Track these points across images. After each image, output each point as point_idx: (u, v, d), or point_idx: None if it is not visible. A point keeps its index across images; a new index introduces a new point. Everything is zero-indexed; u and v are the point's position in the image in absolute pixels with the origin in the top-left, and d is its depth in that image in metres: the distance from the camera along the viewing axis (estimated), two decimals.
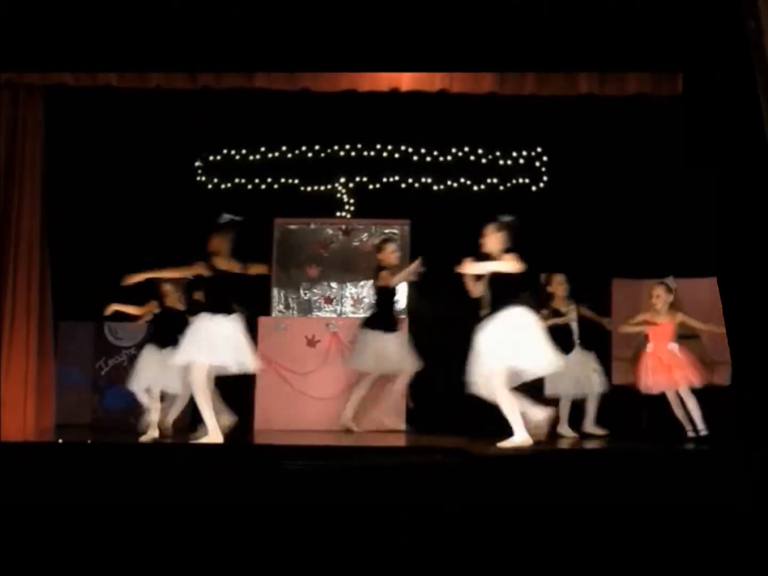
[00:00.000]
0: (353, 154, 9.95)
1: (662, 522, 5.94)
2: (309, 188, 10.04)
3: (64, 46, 7.04)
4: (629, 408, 8.57)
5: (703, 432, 7.79)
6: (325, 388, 8.93)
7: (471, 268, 7.40)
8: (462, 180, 9.95)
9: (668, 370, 7.94)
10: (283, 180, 10.01)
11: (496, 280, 7.37)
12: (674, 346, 8.02)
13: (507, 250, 7.41)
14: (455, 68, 7.31)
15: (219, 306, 7.33)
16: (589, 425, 8.49)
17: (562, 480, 6.21)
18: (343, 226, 9.81)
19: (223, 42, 7.06)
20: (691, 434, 7.86)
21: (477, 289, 7.45)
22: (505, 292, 7.35)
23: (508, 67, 7.31)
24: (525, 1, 6.99)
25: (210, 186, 9.98)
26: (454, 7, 6.97)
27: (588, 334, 8.50)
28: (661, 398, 8.17)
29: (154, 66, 7.24)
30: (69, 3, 6.97)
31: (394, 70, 7.42)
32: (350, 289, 9.67)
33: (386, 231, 9.73)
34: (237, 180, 9.99)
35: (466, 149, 9.94)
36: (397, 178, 9.97)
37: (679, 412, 8.00)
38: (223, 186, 9.97)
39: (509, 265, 7.32)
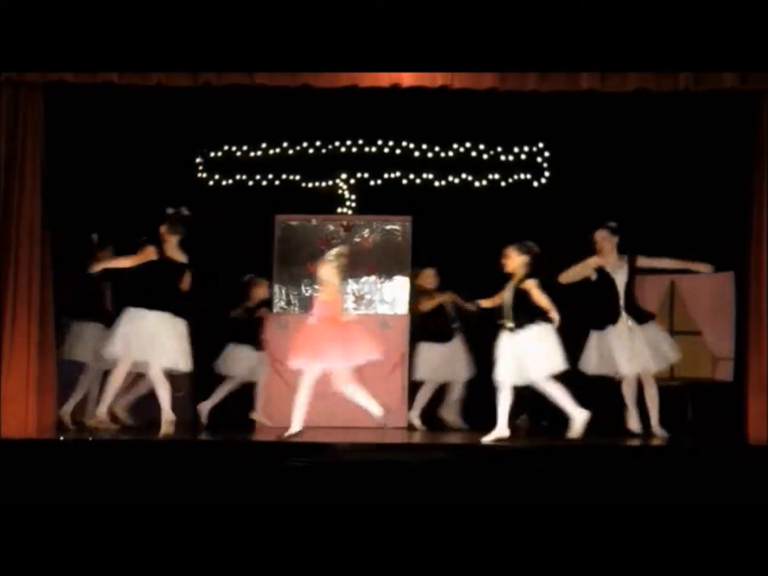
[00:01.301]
0: (354, 150, 9.94)
1: (662, 521, 5.94)
2: (310, 184, 10.04)
3: (64, 46, 7.03)
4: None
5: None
6: (327, 385, 8.91)
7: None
8: (463, 176, 9.95)
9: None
10: (284, 176, 10.00)
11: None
12: (351, 316, 8.00)
13: (145, 242, 7.65)
14: (456, 68, 7.29)
15: None
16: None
17: (563, 479, 6.20)
18: (345, 223, 9.80)
19: (224, 42, 7.05)
20: None
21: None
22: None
23: (509, 67, 7.31)
24: (526, 1, 7.00)
25: (211, 182, 9.98)
26: (455, 7, 6.96)
27: None
28: (663, 394, 8.15)
29: (154, 66, 7.23)
30: (69, 3, 6.97)
31: (394, 70, 7.41)
32: (352, 286, 9.67)
33: (388, 227, 9.72)
34: (238, 176, 9.99)
35: (468, 145, 9.93)
36: (398, 174, 9.96)
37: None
38: (224, 182, 9.96)
39: (123, 260, 7.64)
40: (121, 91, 7.87)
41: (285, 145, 9.95)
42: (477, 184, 9.92)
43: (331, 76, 7.52)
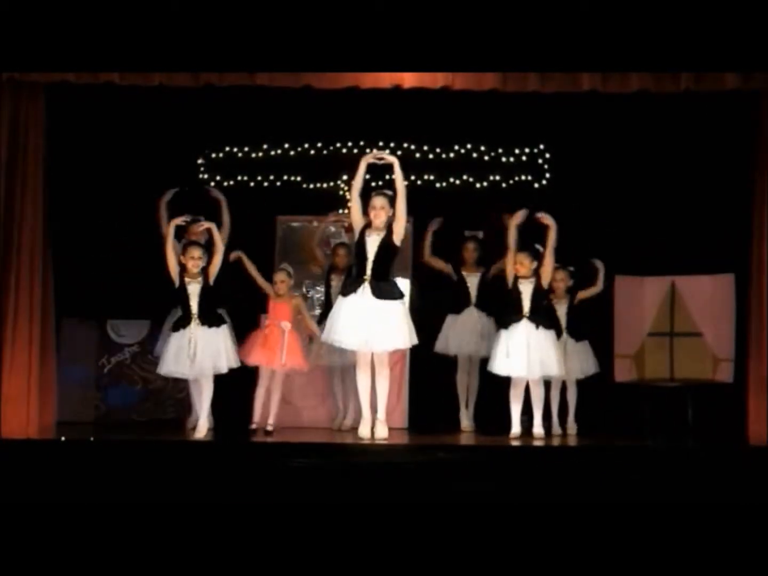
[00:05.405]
0: (356, 151, 9.92)
1: (662, 521, 5.94)
2: (311, 186, 10.03)
3: (66, 46, 7.05)
4: (630, 405, 8.57)
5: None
6: (328, 385, 8.92)
7: None
8: (465, 177, 9.93)
9: (270, 349, 8.13)
10: (285, 177, 9.99)
11: None
12: (286, 325, 8.22)
13: None
14: (457, 68, 7.31)
15: None
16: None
17: (563, 479, 6.21)
18: (346, 224, 9.77)
19: (225, 43, 7.07)
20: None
21: None
22: None
23: (510, 67, 7.32)
24: (527, 1, 7.01)
25: (212, 183, 9.97)
26: (456, 7, 6.97)
27: (588, 330, 8.48)
28: (664, 395, 8.15)
29: (155, 67, 7.25)
30: (70, 3, 6.98)
31: (396, 69, 7.43)
32: None
33: None
34: (239, 177, 9.98)
35: (469, 146, 9.91)
36: None
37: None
38: (225, 183, 9.94)
39: None
40: (122, 91, 7.89)
41: (286, 146, 9.94)
42: (478, 185, 9.92)
43: (333, 77, 7.53)
